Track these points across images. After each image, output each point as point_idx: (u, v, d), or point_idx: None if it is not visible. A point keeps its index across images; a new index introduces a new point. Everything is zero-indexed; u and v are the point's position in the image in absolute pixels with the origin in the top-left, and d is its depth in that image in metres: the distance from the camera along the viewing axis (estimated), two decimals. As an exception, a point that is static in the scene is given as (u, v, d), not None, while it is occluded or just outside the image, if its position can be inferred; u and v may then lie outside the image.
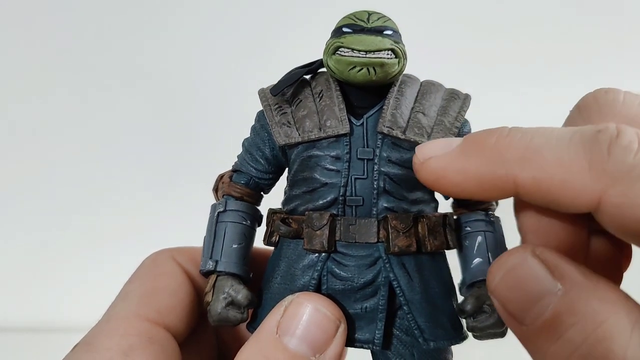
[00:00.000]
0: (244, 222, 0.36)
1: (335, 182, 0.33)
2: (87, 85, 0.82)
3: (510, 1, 0.80)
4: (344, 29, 0.33)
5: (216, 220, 0.35)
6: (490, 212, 0.36)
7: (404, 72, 0.35)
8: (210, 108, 0.82)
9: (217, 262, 0.34)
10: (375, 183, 0.33)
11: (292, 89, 0.35)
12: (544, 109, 0.78)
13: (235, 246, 0.35)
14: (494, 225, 0.35)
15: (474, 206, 0.36)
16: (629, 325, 0.23)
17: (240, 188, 0.36)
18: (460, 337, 0.34)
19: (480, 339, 0.34)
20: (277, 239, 0.36)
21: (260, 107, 0.36)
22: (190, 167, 0.81)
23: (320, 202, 0.33)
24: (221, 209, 0.36)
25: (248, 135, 0.37)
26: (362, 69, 0.32)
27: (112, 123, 0.83)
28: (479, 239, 0.35)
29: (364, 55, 0.32)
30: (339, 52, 0.32)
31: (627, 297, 0.24)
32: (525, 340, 0.26)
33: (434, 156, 0.29)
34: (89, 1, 0.81)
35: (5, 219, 0.84)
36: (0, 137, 0.84)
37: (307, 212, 0.33)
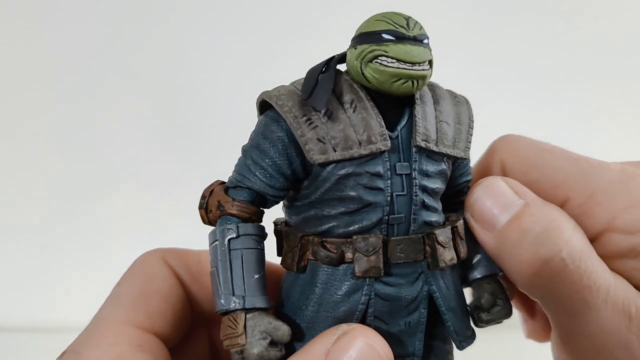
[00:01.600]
0: (259, 247, 0.32)
1: (379, 201, 0.31)
2: (89, 85, 0.82)
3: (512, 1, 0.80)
4: (385, 35, 0.30)
5: (228, 248, 0.31)
6: None
7: None
8: (212, 108, 0.82)
9: (243, 297, 0.30)
10: (415, 199, 0.31)
11: (299, 95, 0.31)
12: (545, 109, 0.78)
13: (257, 276, 0.31)
14: None
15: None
16: (571, 225, 0.33)
17: (247, 207, 0.32)
18: (475, 336, 0.35)
19: (484, 326, 0.36)
20: (306, 263, 0.32)
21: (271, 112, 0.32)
22: (191, 168, 0.81)
23: (365, 223, 0.31)
24: (234, 235, 0.31)
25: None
26: (407, 81, 0.30)
27: (112, 123, 0.83)
28: None
29: (411, 67, 0.30)
30: (379, 60, 0.30)
31: (564, 212, 0.34)
32: (496, 242, 0.34)
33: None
34: (93, 2, 0.81)
35: (6, 219, 0.84)
36: (1, 137, 0.83)
37: (354, 236, 0.31)
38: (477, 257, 0.36)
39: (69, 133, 0.83)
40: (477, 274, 0.36)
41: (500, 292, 0.35)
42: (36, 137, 0.83)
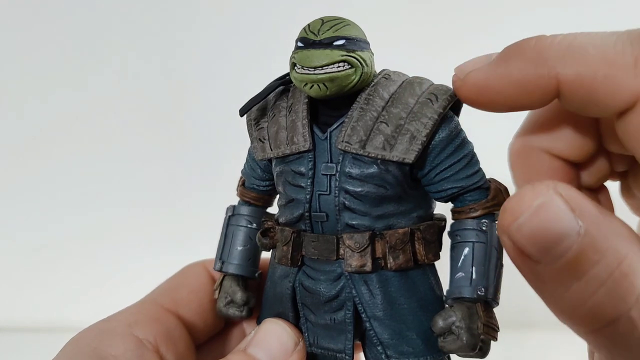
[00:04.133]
0: (249, 226, 0.38)
1: (300, 198, 0.33)
2: (91, 84, 0.82)
3: None
4: (298, 43, 0.32)
5: (227, 223, 0.39)
6: (484, 221, 0.33)
7: (388, 71, 0.34)
8: (218, 110, 0.81)
9: (223, 262, 0.38)
10: (336, 199, 0.32)
11: (267, 102, 0.35)
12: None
13: (240, 248, 0.38)
14: (487, 235, 0.32)
15: (468, 213, 0.33)
16: None
17: (249, 193, 0.39)
18: (433, 354, 0.33)
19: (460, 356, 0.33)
20: None
21: None
22: (191, 169, 0.81)
23: (290, 217, 0.34)
24: (230, 213, 0.39)
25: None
26: (313, 85, 0.31)
27: (111, 123, 0.82)
28: (466, 250, 0.32)
29: (312, 72, 0.31)
30: (295, 68, 0.32)
31: (634, 232, 0.25)
32: (539, 280, 0.26)
33: (474, 69, 0.29)
34: (91, 0, 0.81)
35: (5, 218, 0.84)
36: (0, 137, 0.83)
37: (278, 227, 0.35)
38: (457, 275, 0.32)
39: (69, 134, 0.83)
40: (449, 293, 0.33)
41: (464, 321, 0.31)
42: (35, 137, 0.83)
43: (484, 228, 0.33)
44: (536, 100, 0.28)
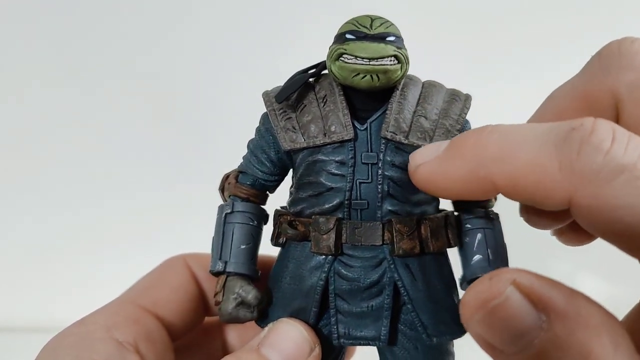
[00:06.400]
0: (251, 223, 0.37)
1: (341, 187, 0.34)
2: (91, 83, 0.82)
3: None
4: (347, 36, 0.34)
5: (224, 221, 0.36)
6: (489, 210, 0.37)
7: (407, 74, 0.36)
8: (215, 107, 0.82)
9: (226, 262, 0.36)
10: (379, 187, 0.34)
11: (296, 93, 0.36)
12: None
13: (244, 247, 0.36)
14: (494, 222, 0.36)
15: (474, 204, 0.36)
16: (612, 349, 0.23)
17: (246, 189, 0.37)
18: (462, 331, 0.35)
19: None
20: (284, 240, 0.37)
21: (265, 109, 0.36)
22: (191, 169, 0.81)
23: (327, 205, 0.34)
24: (228, 211, 0.37)
25: (253, 135, 0.38)
26: (365, 75, 0.33)
27: (112, 122, 0.83)
28: (479, 236, 0.36)
29: (367, 63, 0.32)
30: (342, 58, 0.33)
31: (606, 314, 0.24)
32: None
33: (424, 162, 0.31)
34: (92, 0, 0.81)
35: (6, 218, 0.84)
36: (0, 136, 0.84)
37: (313, 216, 0.34)
38: (475, 258, 0.35)
39: (69, 134, 0.83)
40: (470, 274, 0.35)
41: None
42: (36, 136, 0.83)
43: (491, 216, 0.36)
44: (480, 196, 0.30)
